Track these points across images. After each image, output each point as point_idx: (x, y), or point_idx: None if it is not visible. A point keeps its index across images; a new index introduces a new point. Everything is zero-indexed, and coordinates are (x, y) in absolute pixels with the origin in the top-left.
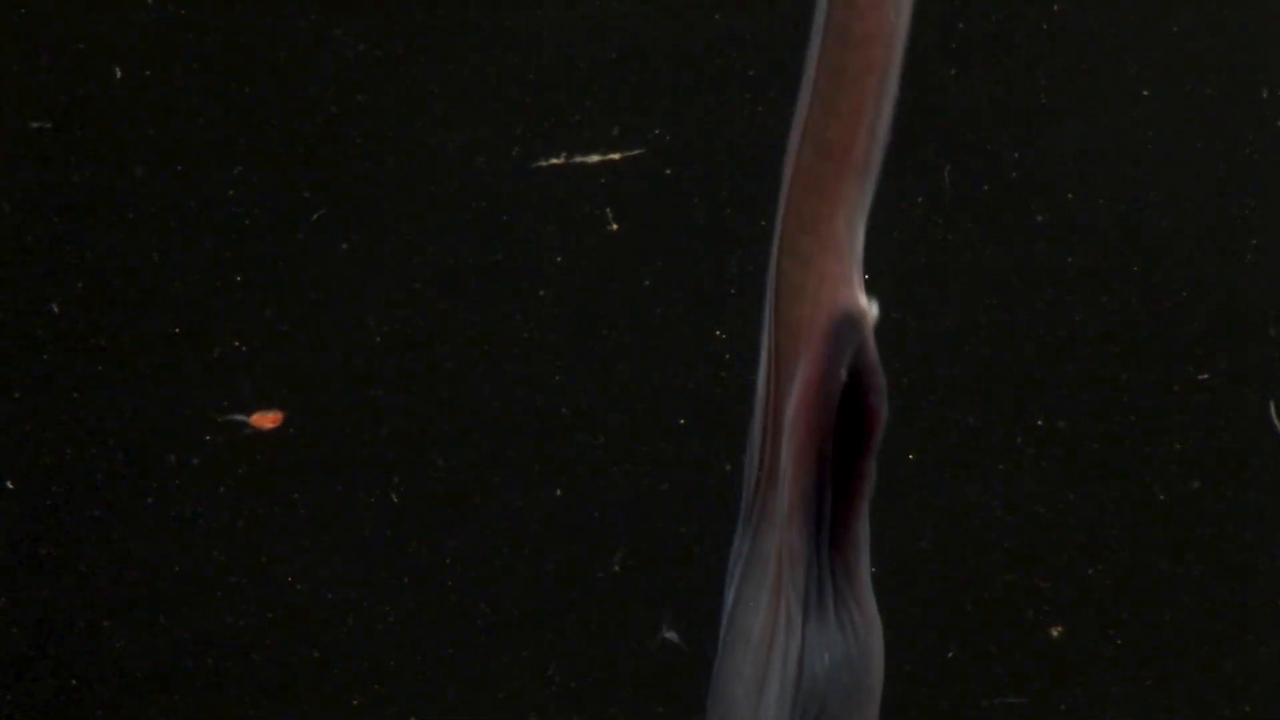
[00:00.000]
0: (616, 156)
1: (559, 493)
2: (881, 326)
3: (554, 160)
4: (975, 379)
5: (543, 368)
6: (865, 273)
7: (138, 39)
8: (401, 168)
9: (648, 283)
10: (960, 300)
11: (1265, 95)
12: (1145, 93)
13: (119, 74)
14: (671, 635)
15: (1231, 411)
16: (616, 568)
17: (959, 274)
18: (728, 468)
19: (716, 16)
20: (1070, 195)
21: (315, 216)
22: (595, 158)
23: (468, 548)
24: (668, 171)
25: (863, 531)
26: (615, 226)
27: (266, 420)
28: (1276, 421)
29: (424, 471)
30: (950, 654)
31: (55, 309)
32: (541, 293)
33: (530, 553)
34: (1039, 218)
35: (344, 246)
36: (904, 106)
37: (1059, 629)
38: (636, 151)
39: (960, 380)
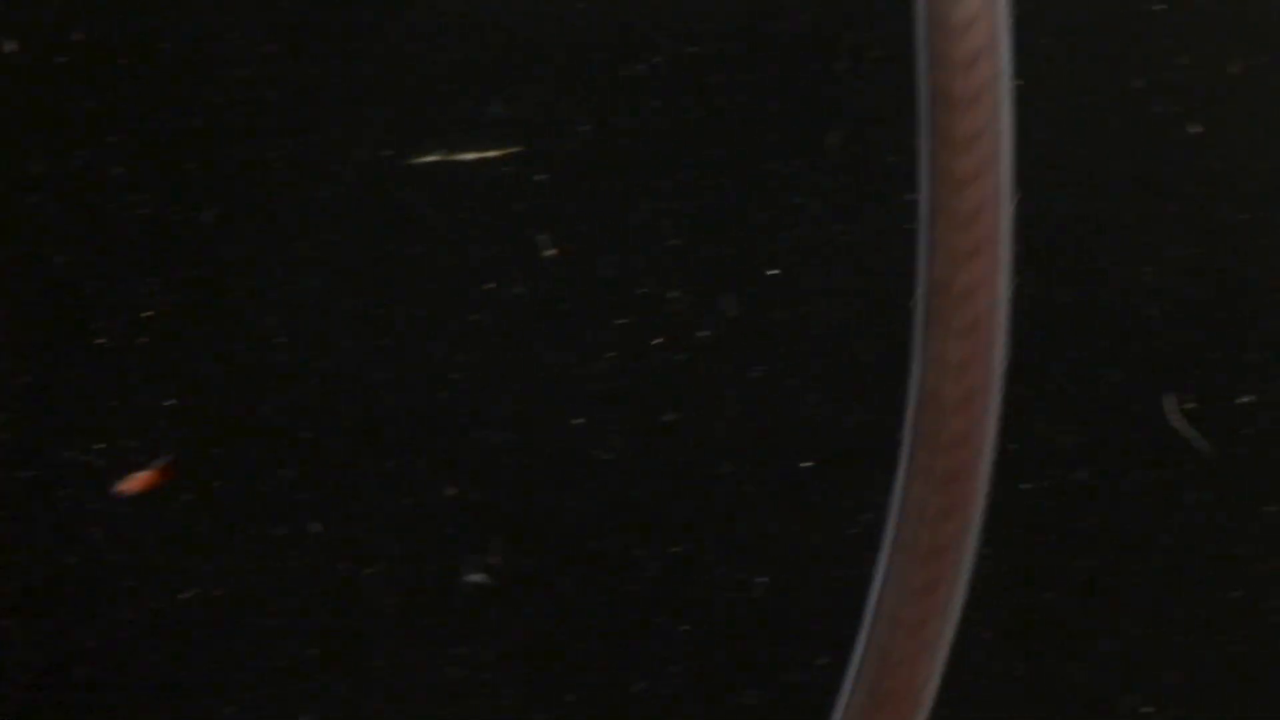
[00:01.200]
0: (494, 154)
1: (450, 490)
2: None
3: (431, 157)
4: (863, 379)
5: (424, 360)
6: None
7: (22, 34)
8: (282, 166)
9: (525, 279)
10: (844, 302)
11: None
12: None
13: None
14: (477, 577)
15: (1124, 406)
16: (488, 564)
17: (845, 275)
18: (606, 457)
19: (594, 17)
20: None
21: (205, 216)
22: (472, 155)
23: (351, 538)
24: (544, 168)
25: None
26: (491, 222)
27: (139, 482)
28: (1171, 416)
29: (320, 459)
30: (823, 662)
31: None
32: (420, 287)
33: (413, 545)
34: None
35: (231, 243)
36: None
37: None
38: (514, 149)
39: (851, 380)
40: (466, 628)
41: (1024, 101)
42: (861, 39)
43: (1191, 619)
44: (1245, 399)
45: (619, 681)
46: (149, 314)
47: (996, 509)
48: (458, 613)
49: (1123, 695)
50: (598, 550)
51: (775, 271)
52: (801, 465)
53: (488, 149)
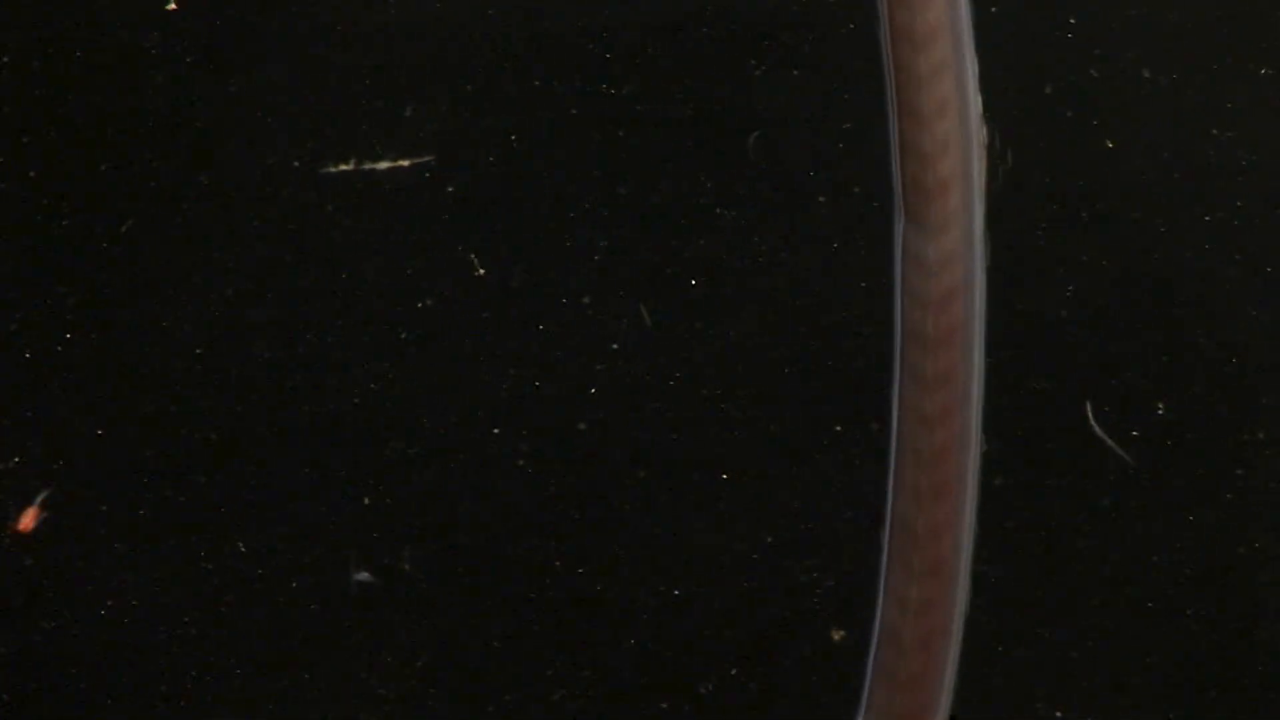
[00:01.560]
0: (405, 163)
1: (366, 500)
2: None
3: (343, 166)
4: (780, 389)
5: (338, 369)
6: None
7: None
8: (195, 175)
9: (439, 288)
10: (761, 311)
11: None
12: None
13: None
14: (363, 575)
15: (1047, 413)
16: (406, 566)
17: (763, 285)
18: (520, 463)
19: (505, 26)
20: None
21: (124, 228)
22: (384, 164)
23: (268, 548)
24: (456, 177)
25: None
26: (403, 231)
27: (23, 521)
28: (1094, 423)
29: (235, 469)
30: (734, 672)
31: None
32: (332, 297)
33: (336, 550)
34: (864, 224)
35: (145, 253)
36: None
37: (841, 633)
38: (425, 158)
39: (768, 390)
40: (387, 638)
41: None
42: (783, 43)
43: (1108, 625)
44: (1165, 406)
45: (538, 692)
46: (65, 324)
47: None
48: (378, 623)
49: (1037, 702)
50: (514, 558)
51: (694, 282)
52: (720, 476)
53: (400, 158)
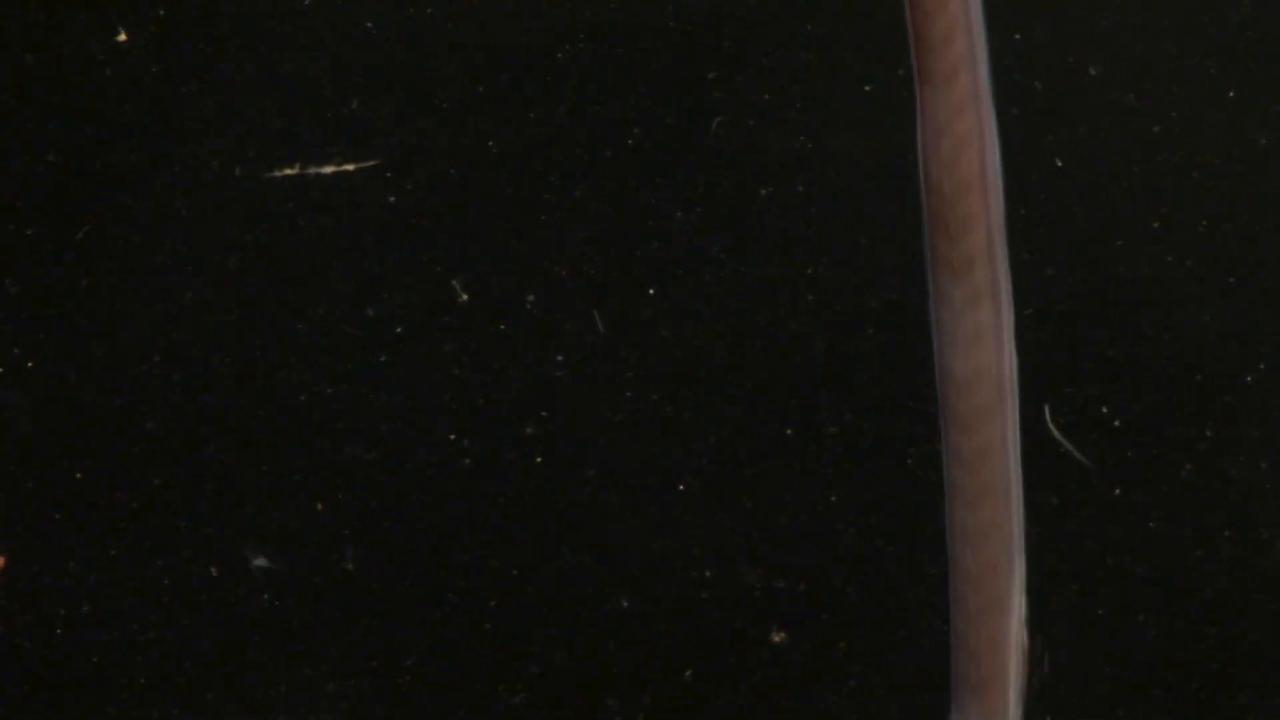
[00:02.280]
0: (350, 168)
1: (319, 506)
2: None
3: (288, 171)
4: (736, 398)
5: (284, 371)
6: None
7: None
8: (140, 179)
9: (384, 291)
10: (726, 312)
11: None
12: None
13: None
14: (260, 561)
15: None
16: (349, 565)
17: (725, 286)
18: (467, 461)
19: (449, 31)
20: (812, 209)
21: (80, 234)
22: (330, 169)
23: (222, 553)
24: (401, 182)
25: None
26: (350, 235)
27: None
28: (1052, 424)
29: (190, 474)
30: (687, 677)
31: None
32: (278, 301)
33: (283, 559)
34: (819, 229)
35: (96, 259)
36: None
37: (781, 635)
38: (370, 163)
39: (726, 387)
40: (340, 642)
41: (891, 107)
42: (738, 46)
43: (1059, 629)
44: (1119, 410)
45: (497, 695)
46: (21, 330)
47: (875, 519)
48: (330, 626)
49: None
50: (463, 563)
51: (650, 291)
52: (672, 481)
53: (345, 162)
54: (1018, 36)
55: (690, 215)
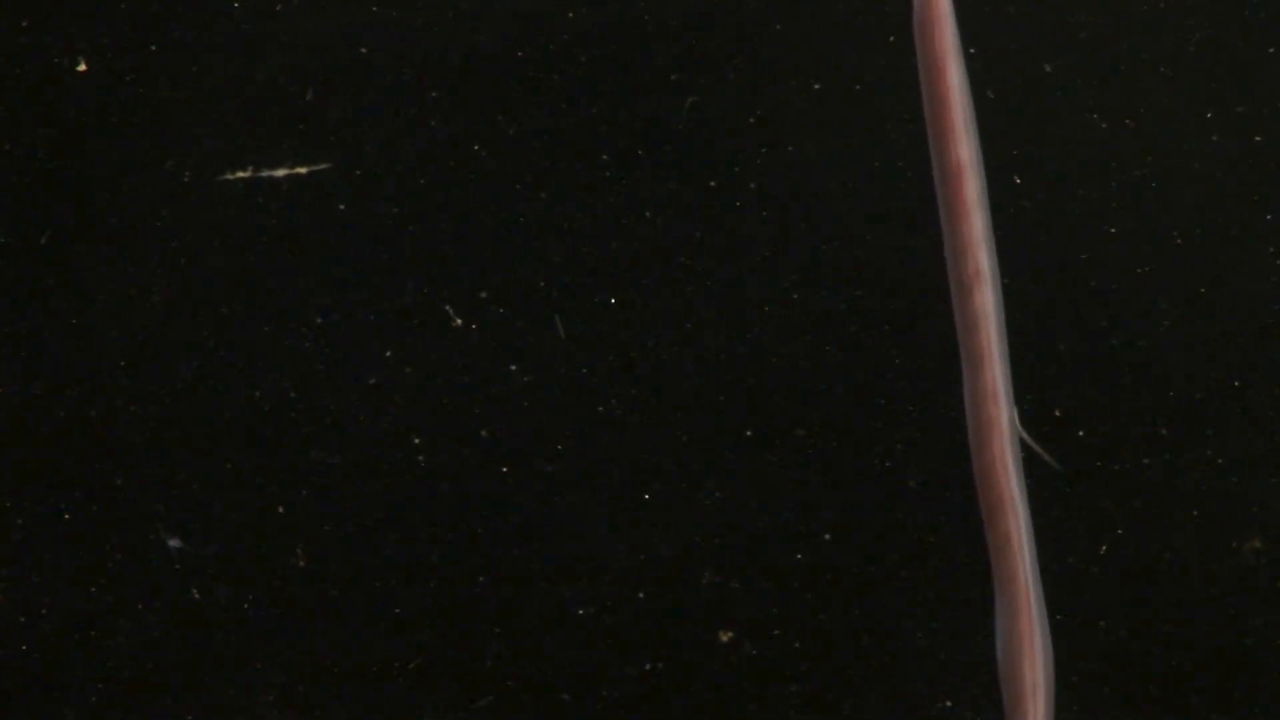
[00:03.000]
0: (303, 171)
1: (273, 508)
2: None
3: (240, 174)
4: (686, 403)
5: (234, 373)
6: None
7: None
8: (98, 184)
9: (336, 290)
10: (684, 316)
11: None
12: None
13: None
14: (175, 542)
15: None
16: (301, 563)
17: (684, 290)
18: (420, 459)
19: (403, 35)
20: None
21: (43, 239)
22: (282, 172)
23: (188, 552)
24: (353, 185)
25: None
26: (302, 238)
27: None
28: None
29: (143, 472)
30: (646, 666)
31: None
32: (229, 305)
33: (247, 561)
34: (781, 233)
35: (55, 262)
36: None
37: (729, 634)
38: (323, 166)
39: (685, 391)
40: (303, 642)
41: (864, 100)
42: (700, 50)
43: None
44: (1090, 413)
45: (460, 697)
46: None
47: (842, 517)
48: (293, 625)
49: (958, 706)
50: (423, 563)
51: (612, 300)
52: (627, 481)
53: (297, 165)
54: (975, 38)
55: (654, 218)
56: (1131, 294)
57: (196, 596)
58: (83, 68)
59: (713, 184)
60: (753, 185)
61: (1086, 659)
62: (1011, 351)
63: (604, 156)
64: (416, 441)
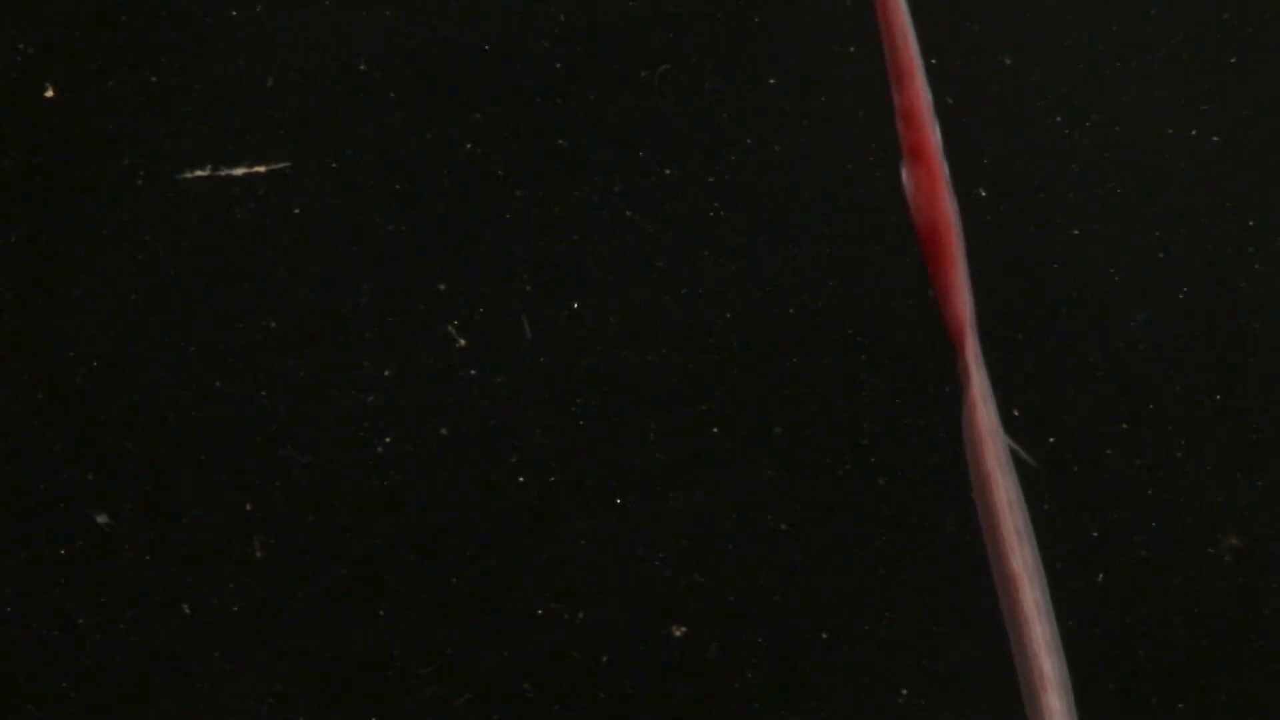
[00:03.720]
0: (262, 169)
1: (239, 497)
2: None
3: (199, 172)
4: (673, 389)
5: (192, 371)
6: None
7: None
8: (51, 181)
9: (296, 289)
10: (650, 317)
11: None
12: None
13: None
14: (103, 519)
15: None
16: (258, 552)
17: (648, 291)
18: (385, 443)
19: (363, 34)
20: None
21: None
22: (241, 170)
23: (157, 552)
24: (312, 183)
25: None
26: (261, 237)
27: None
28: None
29: (112, 466)
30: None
31: None
32: (187, 303)
33: (218, 561)
34: (747, 234)
35: (36, 260)
36: None
37: (682, 629)
38: (281, 165)
39: (650, 390)
40: (275, 637)
41: (840, 95)
42: (660, 50)
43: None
44: (1067, 412)
45: (405, 680)
46: None
47: (818, 517)
48: (255, 623)
49: (935, 707)
50: (379, 556)
51: (575, 305)
52: (591, 480)
53: (256, 164)
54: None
55: (615, 220)
56: (1105, 293)
57: (155, 586)
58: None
59: (684, 181)
60: (727, 182)
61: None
62: (984, 353)
63: (574, 153)
64: (386, 439)
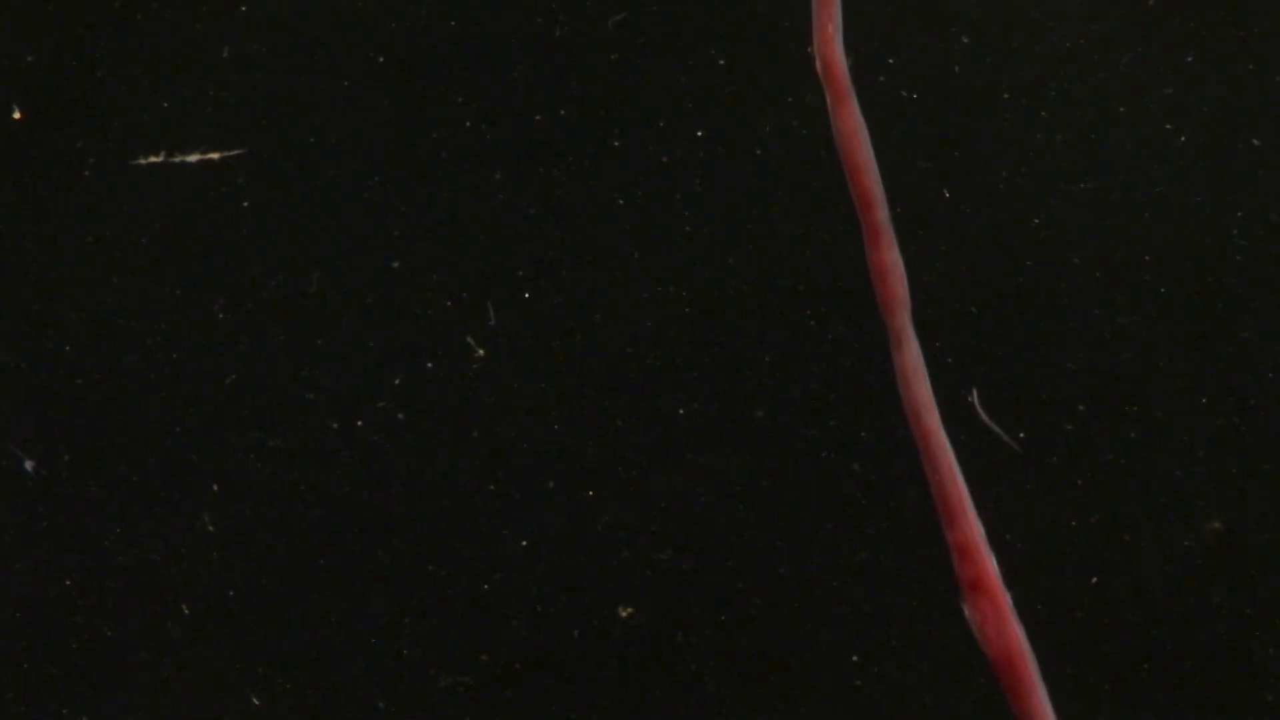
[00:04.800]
0: (215, 156)
1: (217, 488)
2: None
3: (153, 158)
4: (637, 377)
5: (144, 356)
6: None
7: None
8: (5, 163)
9: (250, 276)
10: (615, 305)
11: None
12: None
13: None
14: (30, 464)
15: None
16: (209, 527)
17: (614, 277)
18: (335, 430)
19: (318, 19)
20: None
21: None
22: (195, 157)
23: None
24: (266, 170)
25: None
26: (216, 224)
27: None
28: (979, 408)
29: (82, 454)
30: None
31: None
32: (146, 288)
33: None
34: (710, 222)
35: None
36: None
37: (629, 610)
38: (236, 151)
39: (615, 378)
40: (252, 620)
41: (803, 100)
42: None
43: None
44: (1047, 398)
45: (430, 682)
46: None
47: (798, 504)
48: (210, 620)
49: (917, 694)
50: (331, 540)
51: (527, 295)
52: (548, 467)
53: (210, 151)
54: (919, 28)
55: (578, 208)
56: (1083, 278)
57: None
58: None
59: (656, 164)
60: (700, 164)
61: (1044, 644)
62: (960, 335)
63: (542, 137)
64: (333, 425)
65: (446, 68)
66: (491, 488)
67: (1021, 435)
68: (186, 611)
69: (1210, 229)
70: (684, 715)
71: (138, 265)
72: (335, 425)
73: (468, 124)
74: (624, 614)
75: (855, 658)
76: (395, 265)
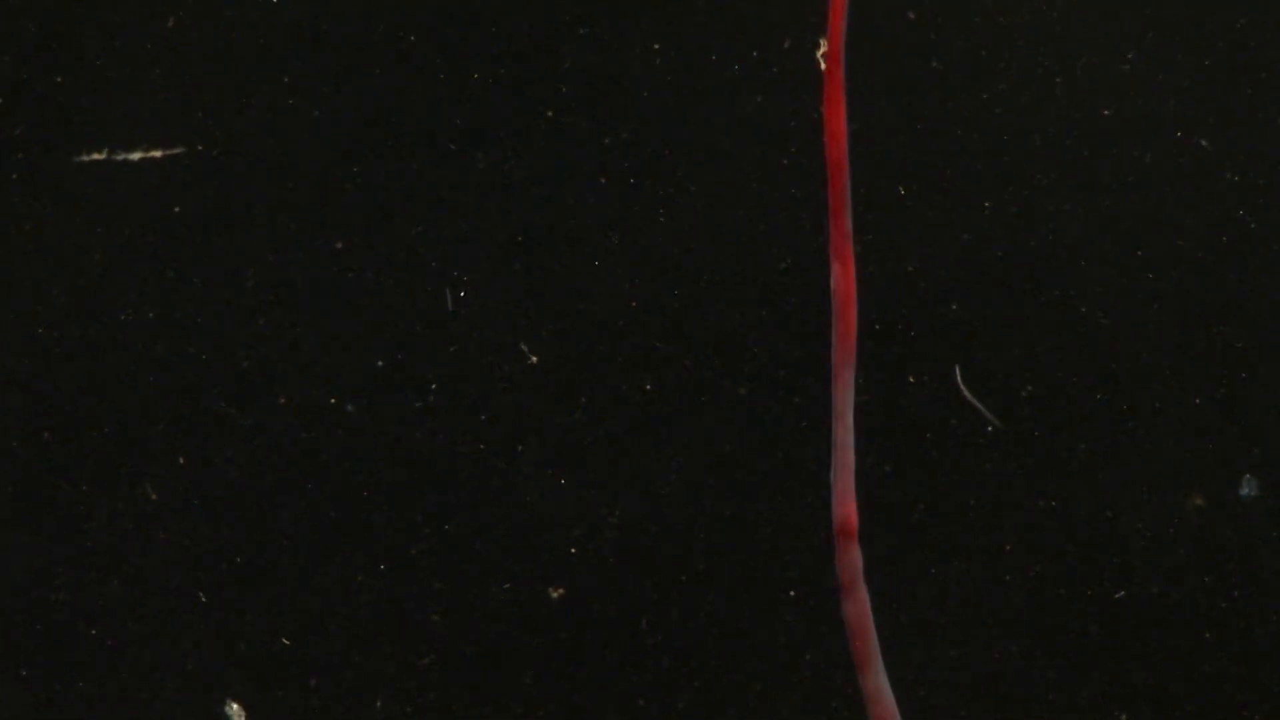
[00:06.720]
0: (158, 154)
1: (195, 482)
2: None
3: (95, 156)
4: (600, 368)
5: (88, 361)
6: None
7: None
8: None
9: (194, 275)
10: (582, 296)
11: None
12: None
13: None
14: None
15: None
16: (152, 495)
17: (580, 267)
18: (286, 412)
19: (264, 18)
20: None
21: None
22: (138, 154)
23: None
24: (209, 168)
25: None
26: (158, 221)
27: None
28: (963, 385)
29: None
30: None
31: None
32: (86, 286)
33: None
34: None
35: None
36: None
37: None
38: (177, 150)
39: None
40: (235, 604)
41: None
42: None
43: (969, 591)
44: (1029, 375)
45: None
46: None
47: (785, 484)
48: (177, 613)
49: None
50: (285, 513)
51: (515, 268)
52: (504, 453)
53: (153, 149)
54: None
55: (540, 193)
56: (1067, 262)
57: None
58: None
59: (638, 146)
60: (683, 146)
61: (1028, 622)
62: (947, 317)
63: (511, 121)
64: (280, 405)
65: (420, 54)
66: (468, 469)
67: (1012, 403)
68: (154, 596)
69: (1191, 215)
70: (681, 701)
71: (82, 260)
72: (293, 418)
73: (441, 108)
74: (555, 595)
75: (824, 627)
76: (360, 247)
